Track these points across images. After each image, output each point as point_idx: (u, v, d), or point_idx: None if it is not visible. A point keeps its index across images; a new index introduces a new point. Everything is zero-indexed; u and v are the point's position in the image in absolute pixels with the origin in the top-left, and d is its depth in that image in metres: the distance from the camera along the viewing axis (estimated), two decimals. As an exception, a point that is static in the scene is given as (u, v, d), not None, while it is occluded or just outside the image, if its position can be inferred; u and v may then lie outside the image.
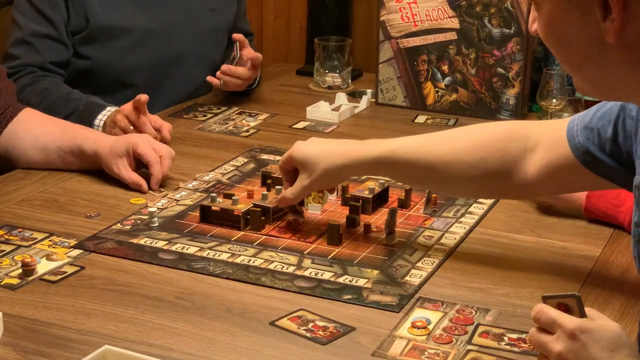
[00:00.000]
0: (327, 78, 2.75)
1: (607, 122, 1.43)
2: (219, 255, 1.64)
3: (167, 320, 1.42)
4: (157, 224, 1.76)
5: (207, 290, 1.52)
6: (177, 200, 1.88)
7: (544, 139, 1.53)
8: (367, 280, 1.56)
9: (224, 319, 1.43)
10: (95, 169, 1.98)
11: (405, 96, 2.59)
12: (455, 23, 2.48)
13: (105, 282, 1.54)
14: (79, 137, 2.00)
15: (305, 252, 1.66)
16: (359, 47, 3.27)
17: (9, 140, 2.03)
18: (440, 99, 2.55)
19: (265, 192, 1.81)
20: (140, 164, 1.96)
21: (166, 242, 1.69)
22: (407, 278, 1.57)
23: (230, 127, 2.38)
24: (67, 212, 1.82)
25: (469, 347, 1.37)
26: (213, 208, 1.77)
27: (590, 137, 1.46)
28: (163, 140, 2.11)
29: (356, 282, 1.55)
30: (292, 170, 1.72)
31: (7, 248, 1.65)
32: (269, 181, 1.91)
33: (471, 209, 1.86)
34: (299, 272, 1.58)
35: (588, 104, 1.97)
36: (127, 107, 2.15)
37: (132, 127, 2.12)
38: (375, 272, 1.59)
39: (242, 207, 1.76)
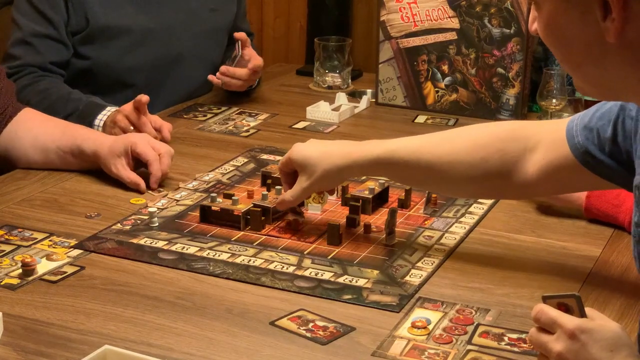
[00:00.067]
0: (327, 78, 2.75)
1: (606, 122, 1.43)
2: (219, 255, 1.64)
3: (167, 320, 1.42)
4: (157, 224, 1.76)
5: (207, 290, 1.52)
6: (177, 200, 1.88)
7: (544, 139, 1.53)
8: (367, 280, 1.56)
9: (224, 319, 1.43)
10: (95, 168, 1.98)
11: (405, 96, 2.59)
12: (455, 23, 2.48)
13: (105, 282, 1.54)
14: (79, 137, 2.00)
15: (305, 252, 1.66)
16: (359, 47, 3.27)
17: (8, 140, 2.03)
18: (440, 99, 2.55)
19: (265, 192, 1.81)
20: (140, 164, 1.96)
21: (166, 242, 1.69)
22: (407, 278, 1.57)
23: (230, 127, 2.38)
24: (67, 212, 1.82)
25: (469, 347, 1.37)
26: (213, 208, 1.77)
27: (589, 137, 1.46)
28: (163, 140, 2.10)
29: (356, 282, 1.55)
30: (292, 172, 1.72)
31: (7, 248, 1.65)
32: (269, 181, 1.91)
33: (471, 209, 1.86)
34: (299, 272, 1.58)
35: (588, 104, 1.97)
36: (128, 107, 2.15)
37: (132, 127, 2.12)
38: (375, 272, 1.59)
39: (242, 207, 1.76)
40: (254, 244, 1.69)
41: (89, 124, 2.18)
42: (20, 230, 1.72)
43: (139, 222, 1.77)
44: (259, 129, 2.38)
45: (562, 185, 1.57)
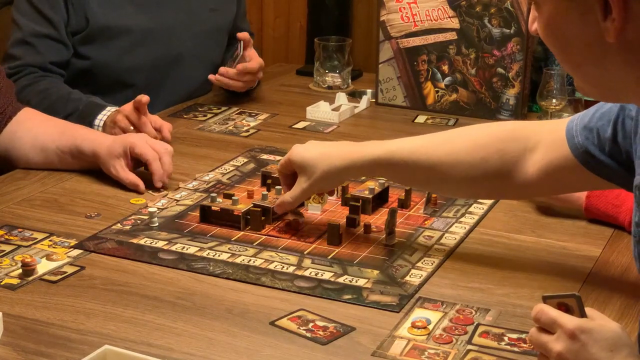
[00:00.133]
0: (327, 78, 2.75)
1: (606, 122, 1.43)
2: (219, 255, 1.64)
3: (167, 320, 1.42)
4: (157, 224, 1.76)
5: (207, 290, 1.52)
6: (177, 200, 1.88)
7: (544, 139, 1.53)
8: (367, 280, 1.56)
9: (223, 319, 1.43)
10: (94, 168, 1.98)
11: (405, 96, 2.59)
12: (455, 23, 2.48)
13: (105, 282, 1.54)
14: (78, 137, 2.00)
15: (305, 252, 1.66)
16: (359, 47, 3.27)
17: (8, 140, 2.03)
18: (440, 99, 2.55)
19: (265, 192, 1.81)
20: (140, 163, 1.96)
21: (166, 242, 1.69)
22: (407, 278, 1.57)
23: (230, 127, 2.38)
24: (67, 212, 1.82)
25: (469, 347, 1.37)
26: (213, 208, 1.77)
27: (589, 137, 1.46)
28: (163, 140, 2.10)
29: (356, 282, 1.55)
30: (291, 174, 1.72)
31: (7, 248, 1.65)
32: (269, 181, 1.91)
33: (471, 209, 1.86)
34: (299, 272, 1.58)
35: (588, 104, 1.97)
36: (128, 107, 2.15)
37: (132, 127, 2.12)
38: (375, 272, 1.59)
39: (242, 207, 1.76)
40: (254, 244, 1.69)
41: (89, 124, 2.18)
42: (20, 230, 1.72)
43: (139, 222, 1.77)
44: (259, 129, 2.38)
45: (562, 185, 1.57)
